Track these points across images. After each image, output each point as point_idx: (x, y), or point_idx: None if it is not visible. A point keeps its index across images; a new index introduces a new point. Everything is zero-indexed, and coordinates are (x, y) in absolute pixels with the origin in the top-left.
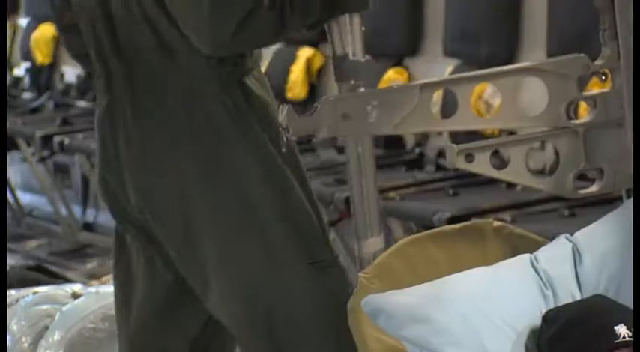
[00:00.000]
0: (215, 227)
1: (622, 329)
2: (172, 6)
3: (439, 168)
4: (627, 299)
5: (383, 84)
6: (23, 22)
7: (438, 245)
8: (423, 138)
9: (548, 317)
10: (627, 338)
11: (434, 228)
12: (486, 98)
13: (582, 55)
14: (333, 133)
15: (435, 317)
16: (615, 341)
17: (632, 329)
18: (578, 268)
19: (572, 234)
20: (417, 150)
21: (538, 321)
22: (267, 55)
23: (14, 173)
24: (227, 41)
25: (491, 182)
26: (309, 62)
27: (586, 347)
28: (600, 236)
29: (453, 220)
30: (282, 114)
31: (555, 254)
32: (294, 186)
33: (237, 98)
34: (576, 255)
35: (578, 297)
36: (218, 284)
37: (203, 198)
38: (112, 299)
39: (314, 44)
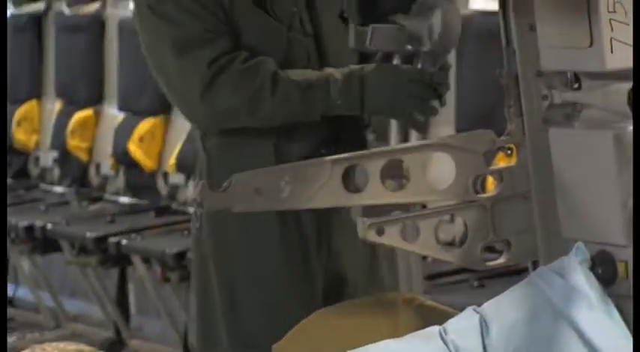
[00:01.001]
0: None
1: None
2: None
3: None
4: None
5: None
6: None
7: (351, 316)
8: None
9: None
10: None
11: None
12: None
13: (488, 130)
14: (246, 209)
15: None
16: None
17: None
18: (486, 339)
19: (480, 305)
20: None
21: None
22: (184, 130)
23: None
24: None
25: None
26: None
27: None
28: (507, 307)
29: None
30: (197, 189)
31: (463, 325)
32: None
33: None
34: (484, 326)
35: None
36: None
37: None
38: None
39: None
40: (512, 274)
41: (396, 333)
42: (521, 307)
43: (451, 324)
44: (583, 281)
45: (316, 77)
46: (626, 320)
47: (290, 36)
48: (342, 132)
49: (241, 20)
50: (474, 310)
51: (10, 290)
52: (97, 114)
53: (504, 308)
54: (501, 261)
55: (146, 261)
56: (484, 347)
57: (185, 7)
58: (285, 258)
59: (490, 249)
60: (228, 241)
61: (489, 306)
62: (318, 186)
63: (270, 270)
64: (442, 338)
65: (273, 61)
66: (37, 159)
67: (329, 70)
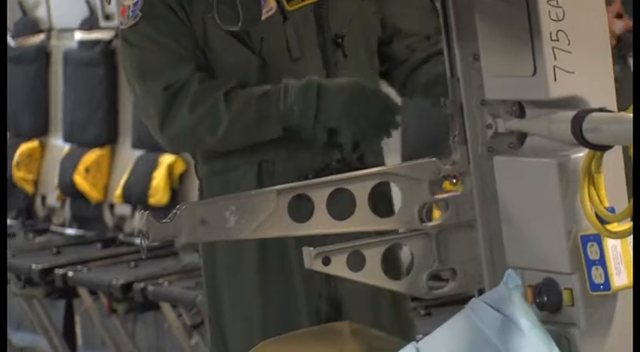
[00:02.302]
0: None
1: None
2: None
3: None
4: None
5: None
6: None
7: (297, 346)
8: None
9: None
10: None
11: None
12: None
13: (434, 159)
14: (191, 239)
15: None
16: None
17: None
18: None
19: (427, 333)
20: None
21: None
22: (130, 161)
23: None
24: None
25: None
26: (170, 168)
27: None
28: (442, 343)
29: None
30: (142, 220)
31: None
32: None
33: None
34: None
35: None
36: None
37: None
38: None
39: None
40: (459, 302)
41: None
42: (455, 341)
43: None
44: (516, 311)
45: (274, 87)
46: (571, 348)
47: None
48: (330, 161)
49: (216, 47)
50: (414, 345)
51: None
52: (43, 146)
53: (439, 342)
54: (447, 289)
55: (93, 292)
56: None
57: (150, 35)
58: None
59: (436, 277)
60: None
61: (426, 342)
62: (264, 216)
63: (250, 286)
64: None
65: (234, 81)
66: None
67: (286, 80)
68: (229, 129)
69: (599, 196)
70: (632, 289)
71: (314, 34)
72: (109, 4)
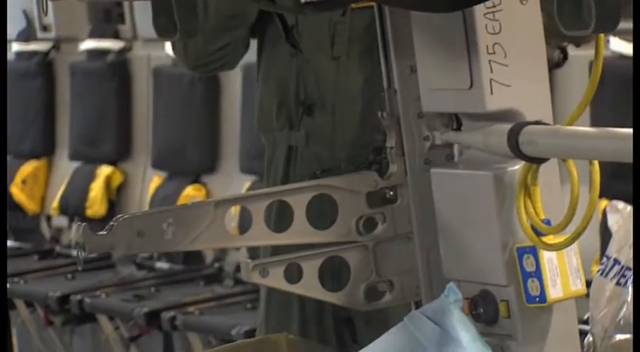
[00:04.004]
0: None
1: None
2: None
3: (238, 282)
4: None
5: (181, 201)
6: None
7: None
8: (221, 253)
9: None
10: None
11: (233, 341)
12: None
13: (371, 171)
14: (129, 251)
15: None
16: None
17: None
18: None
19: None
20: (216, 264)
21: None
22: (67, 172)
23: None
24: None
25: None
26: (108, 180)
27: None
28: None
29: (251, 333)
30: (78, 232)
31: None
32: None
33: None
34: None
35: None
36: None
37: None
38: None
39: (113, 162)
40: None
41: None
42: None
43: None
44: (455, 323)
45: None
46: None
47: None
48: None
49: None
50: None
51: None
52: None
53: None
54: (384, 301)
55: (29, 304)
56: None
57: None
58: None
59: (373, 289)
60: None
61: None
62: (202, 228)
63: None
64: None
65: None
66: None
67: None
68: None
69: (535, 208)
70: (568, 301)
71: None
72: (46, 15)
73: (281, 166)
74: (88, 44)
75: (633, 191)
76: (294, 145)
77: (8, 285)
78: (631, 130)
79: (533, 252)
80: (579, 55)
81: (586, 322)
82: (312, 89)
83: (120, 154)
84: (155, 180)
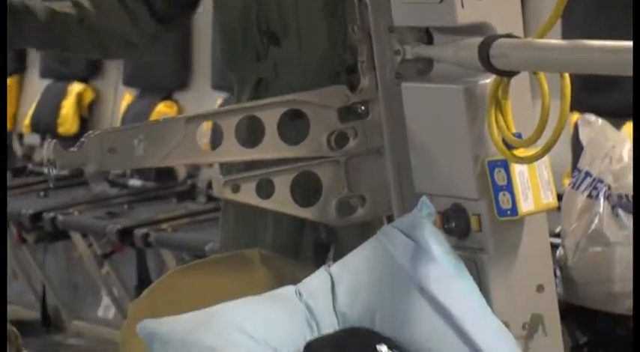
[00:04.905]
0: None
1: (384, 348)
2: None
3: (210, 198)
4: (383, 329)
5: (153, 117)
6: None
7: (207, 274)
8: (194, 170)
9: (311, 347)
10: None
11: (206, 257)
12: None
13: (342, 85)
14: (100, 167)
15: (208, 343)
16: None
17: (392, 350)
18: (335, 303)
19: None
20: (189, 181)
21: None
22: (38, 90)
23: None
24: None
25: None
26: (79, 97)
27: None
28: (353, 268)
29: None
30: (49, 149)
31: (315, 287)
32: None
33: None
34: (334, 288)
35: (338, 328)
36: None
37: None
38: None
39: (84, 79)
40: None
41: (252, 291)
42: (366, 267)
43: (304, 285)
44: (427, 237)
45: None
46: (479, 272)
47: None
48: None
49: None
50: (326, 270)
51: None
52: None
53: (350, 268)
54: (356, 216)
55: None
56: (334, 309)
57: None
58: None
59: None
60: None
61: (337, 267)
62: (173, 144)
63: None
64: (299, 298)
65: None
66: None
67: None
68: None
69: (506, 122)
70: (539, 214)
71: None
72: None
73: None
74: None
75: (633, 191)
76: (264, 78)
77: None
78: (602, 42)
79: (505, 165)
80: None
81: (558, 235)
82: (273, 16)
83: (91, 71)
84: (127, 97)
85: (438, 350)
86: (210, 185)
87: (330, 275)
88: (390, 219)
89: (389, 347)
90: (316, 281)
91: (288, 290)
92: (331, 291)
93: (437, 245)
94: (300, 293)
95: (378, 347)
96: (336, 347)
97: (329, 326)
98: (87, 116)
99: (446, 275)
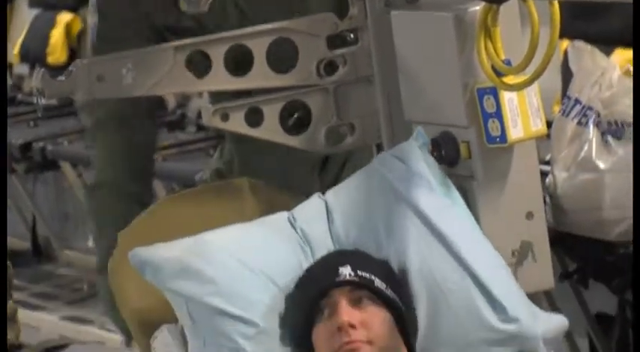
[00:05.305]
0: None
1: (346, 270)
2: None
3: (200, 128)
4: (378, 250)
5: None
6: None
7: (197, 203)
8: (184, 100)
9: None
10: (349, 278)
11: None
12: None
13: (331, 13)
14: (88, 96)
15: (200, 269)
16: (337, 279)
17: (357, 270)
18: (331, 226)
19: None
20: (179, 111)
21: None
22: (27, 19)
23: None
24: None
25: None
26: (68, 26)
27: (313, 285)
28: (349, 193)
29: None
30: (37, 77)
31: (311, 213)
32: None
33: None
34: (329, 213)
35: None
36: None
37: None
38: None
39: (73, 9)
40: None
41: (242, 219)
42: (362, 192)
43: (299, 211)
44: (423, 165)
45: None
46: (469, 200)
47: None
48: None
49: None
50: (319, 197)
51: None
52: None
53: (346, 193)
54: (346, 144)
55: None
56: (330, 234)
57: None
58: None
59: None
60: None
61: (332, 192)
62: (162, 72)
63: None
64: (292, 225)
65: None
66: None
67: None
68: None
69: (495, 49)
70: (528, 141)
71: None
72: None
73: None
74: None
75: (633, 190)
76: None
77: None
78: None
79: (494, 92)
80: None
81: (547, 163)
82: None
83: (80, 0)
84: None
85: (434, 269)
86: (200, 114)
87: (325, 201)
88: (379, 148)
89: (354, 269)
90: (311, 207)
91: (281, 216)
92: (326, 215)
93: (433, 174)
94: (294, 219)
95: (341, 268)
96: (308, 270)
97: (324, 250)
98: (76, 46)
99: (441, 201)
